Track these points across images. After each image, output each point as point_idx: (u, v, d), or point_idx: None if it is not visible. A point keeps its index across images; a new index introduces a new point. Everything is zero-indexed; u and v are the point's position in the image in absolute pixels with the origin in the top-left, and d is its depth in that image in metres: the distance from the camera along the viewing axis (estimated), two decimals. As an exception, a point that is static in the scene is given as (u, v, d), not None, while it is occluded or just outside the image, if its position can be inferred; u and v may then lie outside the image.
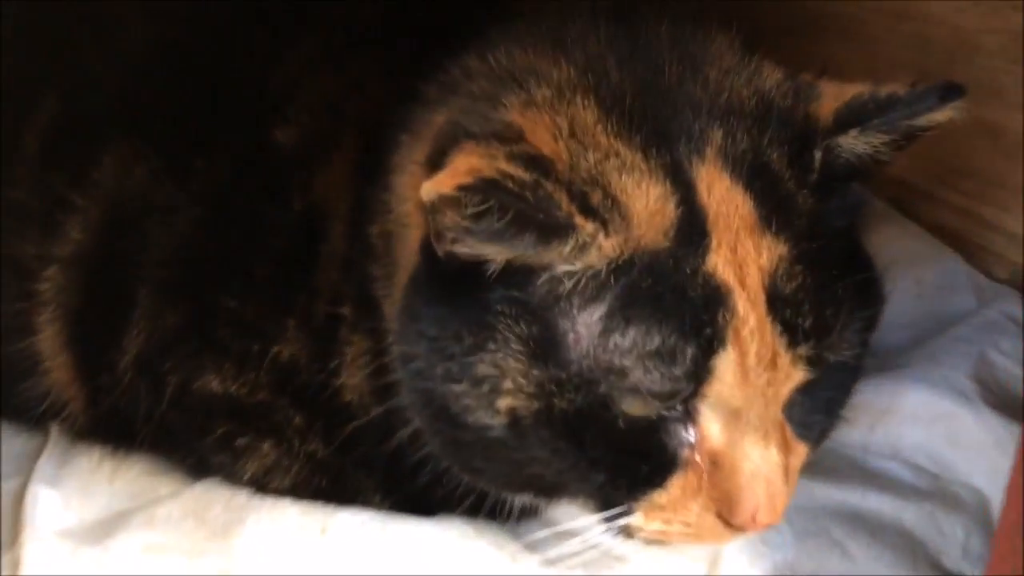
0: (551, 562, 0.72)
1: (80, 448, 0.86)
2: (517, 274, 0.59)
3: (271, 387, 0.77)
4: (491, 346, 0.60)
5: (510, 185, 0.55)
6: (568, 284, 0.59)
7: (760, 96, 0.64)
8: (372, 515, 0.76)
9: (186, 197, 0.79)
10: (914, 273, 0.95)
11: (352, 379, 0.74)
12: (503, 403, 0.60)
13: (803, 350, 0.60)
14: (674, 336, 0.57)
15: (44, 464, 0.83)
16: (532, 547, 0.74)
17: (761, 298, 0.59)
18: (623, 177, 0.59)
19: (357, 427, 0.74)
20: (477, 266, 0.59)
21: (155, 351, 0.79)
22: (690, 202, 0.59)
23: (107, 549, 0.75)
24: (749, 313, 0.58)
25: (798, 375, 0.61)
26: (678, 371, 0.57)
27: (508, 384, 0.60)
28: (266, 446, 0.78)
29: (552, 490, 0.67)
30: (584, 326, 0.59)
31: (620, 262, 0.58)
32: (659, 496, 0.62)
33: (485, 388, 0.60)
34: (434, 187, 0.56)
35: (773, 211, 0.60)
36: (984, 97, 0.90)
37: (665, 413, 0.60)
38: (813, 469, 0.75)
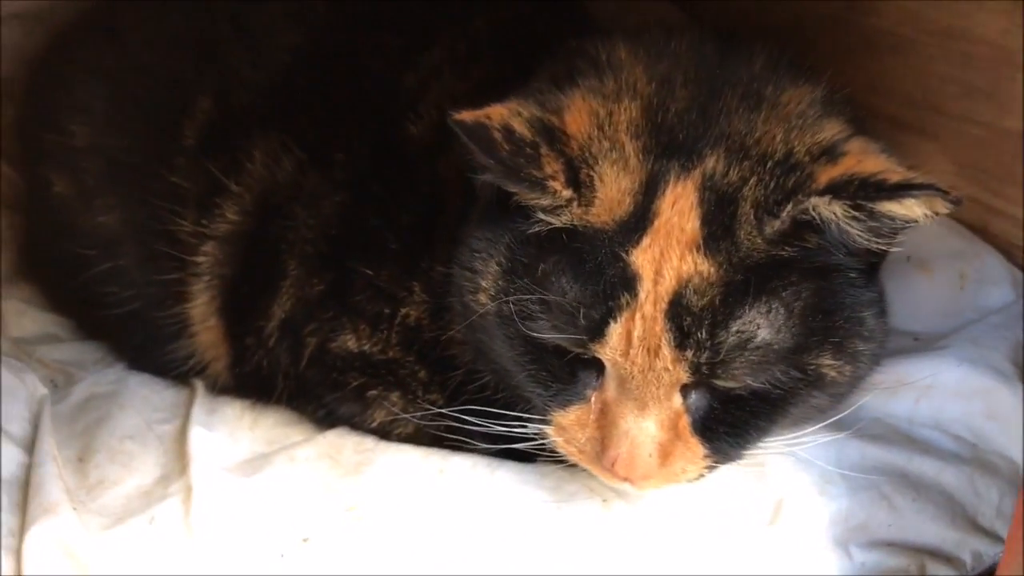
0: (638, 502, 0.84)
1: (223, 401, 0.98)
2: (523, 213, 0.73)
3: (400, 345, 0.88)
4: (491, 252, 0.76)
5: (496, 135, 0.70)
6: (544, 231, 0.73)
7: (788, 148, 0.73)
8: (481, 459, 0.87)
9: (329, 184, 0.91)
10: (957, 267, 1.03)
11: (457, 333, 0.85)
12: (480, 296, 0.76)
13: (689, 355, 0.70)
14: (586, 296, 0.71)
15: (197, 410, 0.95)
16: (623, 494, 0.84)
17: (665, 297, 0.70)
18: (610, 167, 0.72)
19: (460, 378, 0.86)
20: (505, 202, 0.74)
21: (299, 315, 0.91)
22: (648, 204, 0.71)
23: (258, 481, 0.87)
24: (647, 303, 0.70)
25: (681, 373, 0.71)
26: (581, 321, 0.71)
27: (484, 283, 0.76)
28: (394, 396, 0.90)
29: (514, 385, 0.81)
30: (543, 263, 0.73)
31: (579, 228, 0.72)
32: (562, 416, 0.77)
33: (474, 279, 0.76)
34: (456, 114, 0.71)
35: (716, 237, 0.71)
36: (1025, 111, 1.01)
37: (577, 350, 0.73)
38: (864, 435, 0.88)
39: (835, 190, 0.69)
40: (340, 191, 0.90)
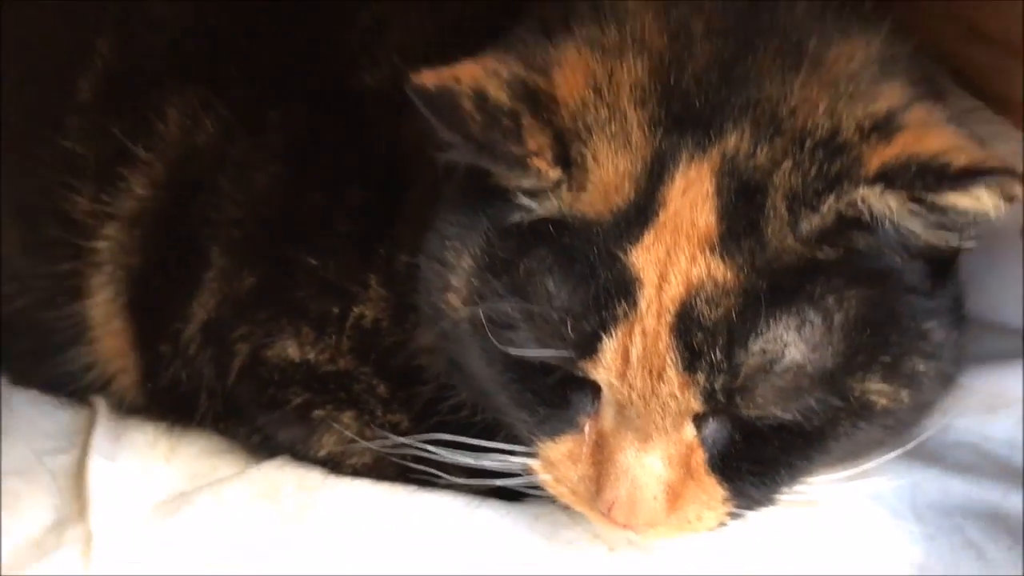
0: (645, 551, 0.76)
1: (131, 424, 0.90)
2: (504, 196, 0.67)
3: (353, 353, 0.81)
4: (465, 242, 0.69)
5: (465, 104, 0.63)
6: (526, 220, 0.66)
7: (834, 122, 0.66)
8: (458, 496, 0.79)
9: (262, 151, 0.83)
10: None
11: (425, 338, 0.78)
12: (450, 296, 0.70)
13: (700, 379, 0.63)
14: (576, 303, 0.64)
15: (99, 439, 0.87)
16: (634, 543, 0.76)
17: (671, 308, 0.63)
18: (607, 143, 0.65)
19: (429, 394, 0.79)
20: (483, 180, 0.67)
21: (226, 316, 0.83)
22: (652, 191, 0.64)
23: (174, 528, 0.79)
24: (649, 315, 0.63)
25: (691, 401, 0.64)
26: (570, 334, 0.64)
27: (455, 280, 0.69)
28: (346, 417, 0.82)
29: (495, 408, 0.74)
30: (525, 259, 0.66)
31: (568, 218, 0.65)
32: (550, 449, 0.70)
33: (444, 274, 0.70)
34: (416, 77, 0.64)
35: (735, 235, 0.64)
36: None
37: (566, 367, 0.67)
38: (946, 465, 0.81)
39: (889, 178, 0.63)
40: (275, 159, 0.84)
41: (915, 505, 0.79)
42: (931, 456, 0.81)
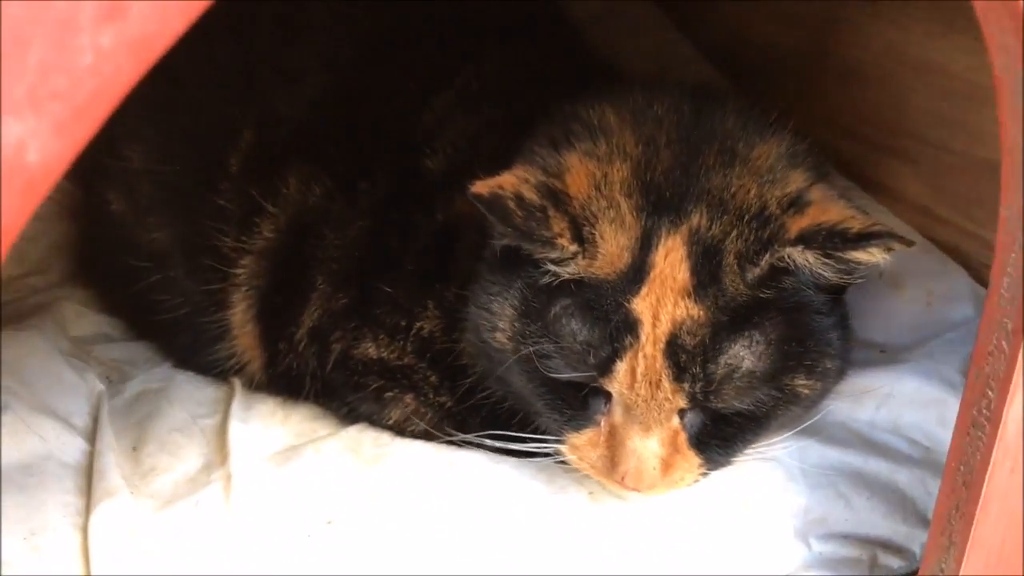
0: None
1: (258, 398, 1.07)
2: (534, 264, 0.81)
3: (414, 353, 0.97)
4: (506, 296, 0.84)
5: (510, 204, 0.78)
6: (554, 281, 0.81)
7: (761, 202, 0.81)
8: (486, 455, 0.95)
9: (354, 210, 1.00)
10: (926, 285, 1.11)
11: (467, 348, 0.93)
12: (498, 335, 0.84)
13: (686, 386, 0.79)
14: (595, 338, 0.79)
15: (236, 407, 1.04)
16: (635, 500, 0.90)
17: (663, 338, 0.79)
18: (609, 225, 0.80)
19: (470, 383, 0.94)
20: (516, 252, 0.82)
21: (326, 324, 1.00)
22: (644, 257, 0.79)
23: (288, 471, 0.96)
24: (648, 344, 0.79)
25: (679, 401, 0.80)
26: (591, 360, 0.79)
27: (502, 324, 0.84)
28: (408, 398, 0.98)
29: (533, 412, 0.89)
30: (553, 307, 0.81)
31: (584, 278, 0.80)
32: (576, 438, 0.85)
33: (492, 320, 0.84)
34: (473, 187, 0.79)
35: (704, 285, 0.79)
36: (993, 142, 1.11)
37: (588, 382, 0.81)
38: (826, 438, 0.97)
39: (806, 240, 0.78)
40: (363, 216, 1.00)
41: (803, 467, 0.93)
42: (814, 431, 0.95)
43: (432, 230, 0.97)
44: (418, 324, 0.96)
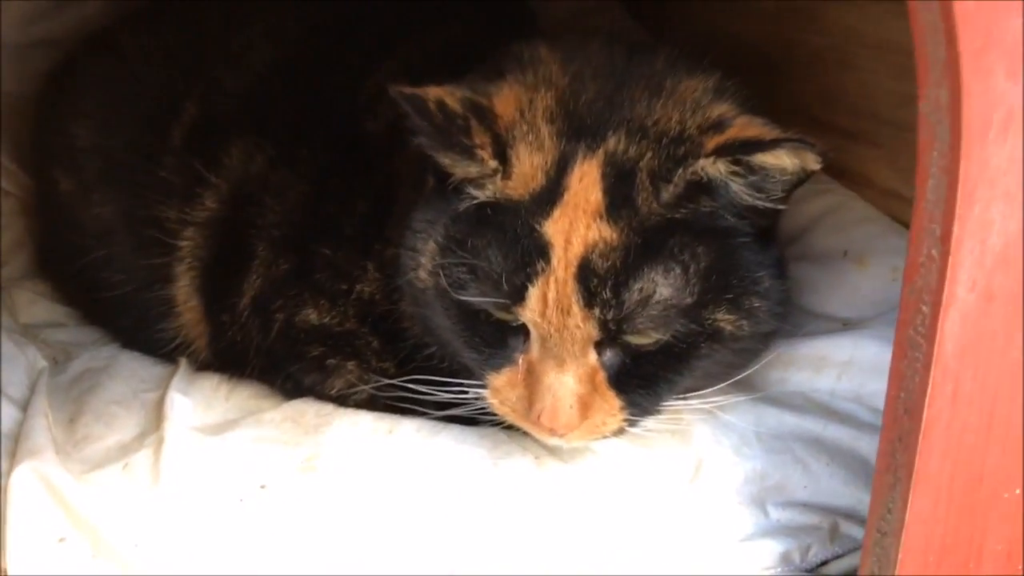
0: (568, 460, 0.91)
1: (203, 375, 1.08)
2: (459, 193, 0.82)
3: (356, 318, 0.97)
4: (430, 232, 0.84)
5: (430, 105, 0.78)
6: (472, 205, 0.81)
7: (681, 126, 0.82)
8: (427, 422, 0.95)
9: (294, 177, 1.01)
10: (891, 262, 1.09)
11: (406, 308, 0.93)
12: (420, 272, 0.85)
13: (596, 313, 0.79)
14: (508, 263, 0.79)
15: (177, 380, 1.04)
16: (553, 451, 0.92)
17: (575, 262, 0.78)
18: (526, 147, 0.81)
19: (411, 346, 0.95)
20: (444, 180, 0.82)
21: (268, 293, 1.00)
22: (558, 180, 0.80)
23: (225, 439, 0.96)
24: (559, 269, 0.79)
25: (591, 330, 0.80)
26: (505, 287, 0.80)
27: (423, 260, 0.84)
28: (351, 364, 0.98)
29: (454, 353, 0.89)
30: (471, 235, 0.81)
31: (501, 201, 0.80)
32: (496, 379, 0.85)
33: (416, 257, 0.85)
34: (394, 87, 0.80)
35: (616, 205, 0.79)
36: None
37: (506, 318, 0.82)
38: (783, 405, 0.96)
39: (719, 151, 0.78)
40: (304, 182, 1.01)
41: (758, 432, 0.93)
42: (773, 400, 0.96)
43: (371, 194, 0.98)
44: (359, 287, 0.97)
